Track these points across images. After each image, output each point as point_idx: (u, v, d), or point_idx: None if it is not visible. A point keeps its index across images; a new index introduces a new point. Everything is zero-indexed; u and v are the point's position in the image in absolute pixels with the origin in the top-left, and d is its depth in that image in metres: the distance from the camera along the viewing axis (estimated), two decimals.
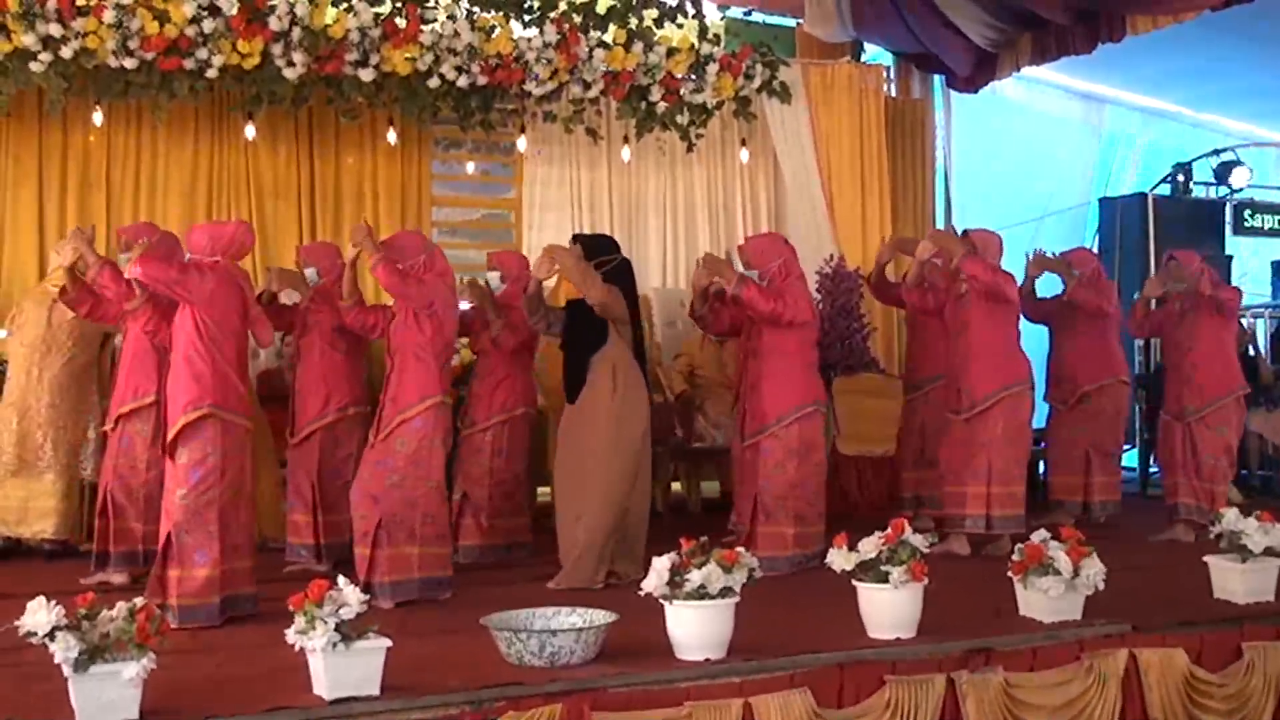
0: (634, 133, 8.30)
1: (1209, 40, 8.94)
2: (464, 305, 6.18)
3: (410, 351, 5.26)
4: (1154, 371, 9.64)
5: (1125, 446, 8.82)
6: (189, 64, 6.79)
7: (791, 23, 9.52)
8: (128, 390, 5.67)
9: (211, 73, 6.87)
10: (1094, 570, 4.54)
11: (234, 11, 6.74)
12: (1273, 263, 12.00)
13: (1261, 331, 10.63)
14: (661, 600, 4.07)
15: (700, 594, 4.02)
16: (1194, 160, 11.37)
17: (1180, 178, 11.28)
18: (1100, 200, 11.60)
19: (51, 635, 3.36)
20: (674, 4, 8.07)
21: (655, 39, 7.86)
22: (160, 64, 6.75)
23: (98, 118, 7.43)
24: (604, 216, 9.02)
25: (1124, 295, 7.90)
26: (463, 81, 7.37)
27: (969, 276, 6.27)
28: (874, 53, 9.97)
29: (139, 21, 6.59)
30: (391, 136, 8.11)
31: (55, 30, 6.49)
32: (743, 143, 8.83)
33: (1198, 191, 11.44)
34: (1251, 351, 9.11)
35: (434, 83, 7.31)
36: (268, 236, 8.27)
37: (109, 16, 6.54)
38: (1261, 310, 10.96)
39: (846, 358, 8.14)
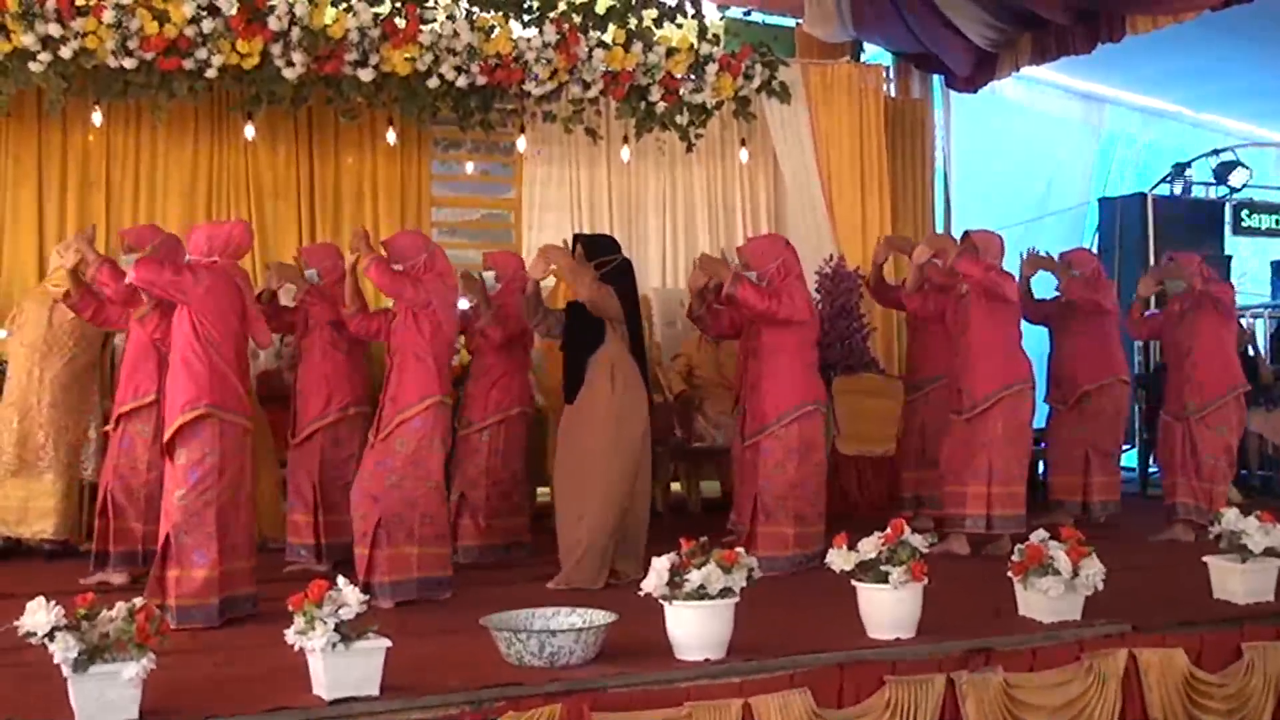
0: (633, 133, 8.30)
1: (1209, 40, 8.95)
2: (464, 304, 6.17)
3: (410, 351, 5.26)
4: (1154, 371, 9.65)
5: (1125, 446, 8.83)
6: (188, 64, 6.79)
7: (791, 23, 9.52)
8: (129, 390, 5.68)
9: (211, 73, 6.87)
10: (1094, 570, 4.53)
11: (233, 11, 6.74)
12: (1272, 263, 12.01)
13: (1261, 331, 10.64)
14: (661, 600, 4.07)
15: (700, 594, 4.02)
16: (1194, 160, 11.37)
17: (1180, 178, 11.28)
18: (1100, 200, 11.60)
19: (51, 635, 3.35)
20: (674, 4, 8.07)
21: (655, 39, 7.86)
22: (160, 64, 6.75)
23: (97, 118, 7.42)
24: (604, 216, 9.01)
25: (1123, 295, 7.90)
26: (462, 81, 7.36)
27: (964, 275, 6.29)
28: (874, 53, 9.97)
29: (138, 21, 6.59)
30: (391, 136, 8.11)
31: (55, 30, 6.49)
32: (742, 143, 8.83)
33: (1197, 191, 11.45)
34: (1251, 351, 9.11)
35: (433, 83, 7.31)
36: (267, 236, 8.27)
37: (108, 16, 6.54)
38: (1261, 310, 10.96)
39: (846, 358, 8.14)
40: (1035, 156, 11.71)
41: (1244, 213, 11.58)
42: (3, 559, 6.27)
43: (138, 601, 3.50)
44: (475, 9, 7.49)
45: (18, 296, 7.04)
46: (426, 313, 5.26)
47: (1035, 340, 7.05)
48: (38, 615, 3.38)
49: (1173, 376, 7.17)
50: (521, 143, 8.42)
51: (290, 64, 6.93)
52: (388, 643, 3.68)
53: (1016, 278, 6.61)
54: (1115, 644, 4.46)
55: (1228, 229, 11.51)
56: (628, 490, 5.56)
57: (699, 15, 8.18)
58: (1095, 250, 9.77)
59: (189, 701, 3.62)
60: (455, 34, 7.25)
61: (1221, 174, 11.31)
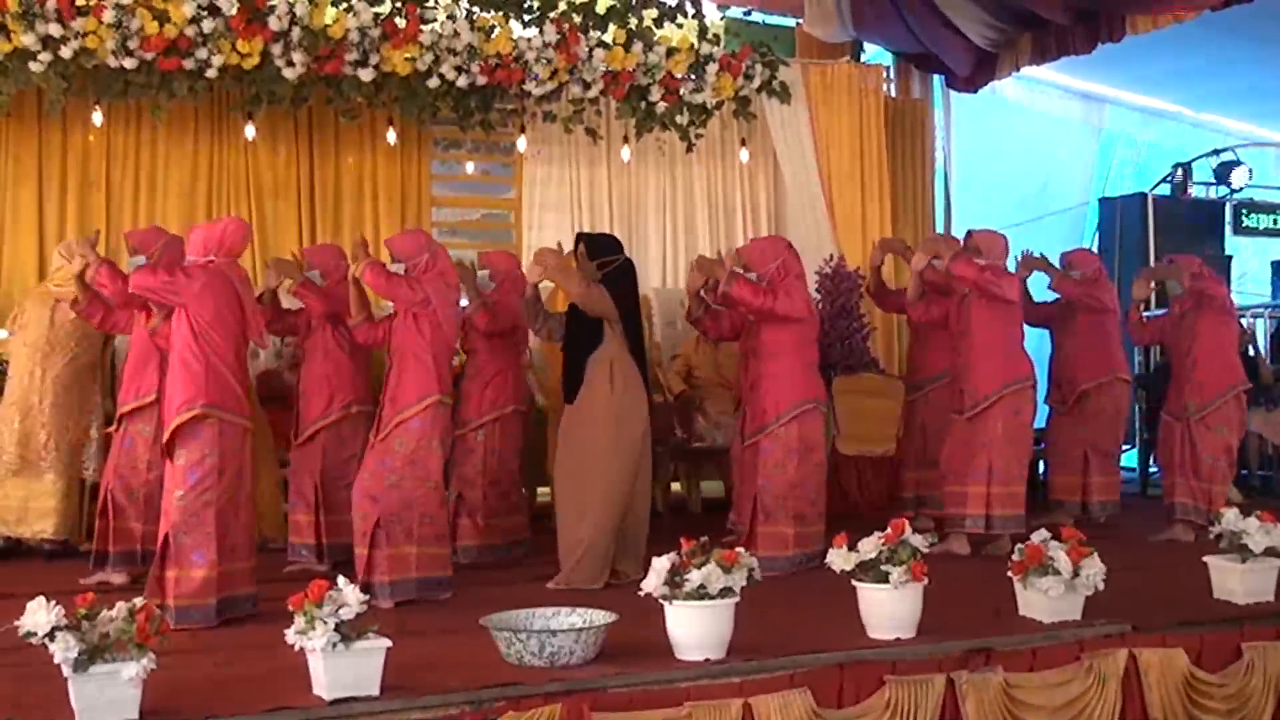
0: (634, 133, 8.30)
1: (1209, 40, 8.94)
2: (464, 302, 6.16)
3: (409, 351, 5.26)
4: (1154, 371, 9.66)
5: (1125, 446, 8.83)
6: (189, 64, 6.79)
7: (791, 23, 9.52)
8: (130, 390, 5.68)
9: (211, 73, 6.87)
10: (1094, 570, 4.54)
11: (234, 11, 6.74)
12: (1273, 263, 12.01)
13: (1261, 331, 10.63)
14: (661, 600, 4.07)
15: (700, 594, 4.02)
16: (1194, 160, 11.37)
17: (1180, 178, 11.28)
18: (1100, 200, 11.61)
19: (51, 635, 3.36)
20: (674, 4, 8.07)
21: (655, 39, 7.86)
22: (160, 64, 6.75)
23: (97, 118, 7.42)
24: (604, 216, 9.01)
25: (1124, 296, 7.91)
26: (462, 81, 7.36)
27: (959, 277, 6.32)
28: (874, 53, 9.97)
29: (139, 21, 6.58)
30: (391, 136, 8.11)
31: (55, 30, 6.49)
32: (742, 143, 8.83)
33: (1197, 191, 11.45)
34: (1251, 352, 9.11)
35: (434, 83, 7.31)
36: (268, 236, 8.27)
37: (109, 16, 6.54)
38: (1261, 310, 10.96)
39: (846, 358, 8.14)
40: (1035, 156, 11.70)
41: (1244, 213, 11.58)
42: (3, 559, 6.27)
43: (138, 601, 3.50)
44: (475, 9, 7.49)
45: (18, 296, 7.05)
46: (426, 313, 5.25)
47: (1036, 341, 7.07)
48: (38, 615, 3.38)
49: (1174, 376, 7.18)
50: (521, 143, 8.42)
51: (290, 64, 6.93)
52: (388, 643, 3.68)
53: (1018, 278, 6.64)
54: (1115, 644, 4.46)
55: (1228, 229, 11.51)
56: (628, 490, 5.56)
57: (699, 15, 8.17)
58: (1095, 250, 9.76)
59: (189, 701, 3.62)
60: (455, 34, 7.24)
61: (1222, 174, 11.31)
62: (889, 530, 4.40)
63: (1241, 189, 11.35)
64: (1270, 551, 4.99)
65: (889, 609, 4.35)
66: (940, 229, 9.73)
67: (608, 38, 7.72)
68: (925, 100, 10.00)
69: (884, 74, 9.50)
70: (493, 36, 7.32)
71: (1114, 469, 7.54)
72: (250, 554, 5.04)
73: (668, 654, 4.08)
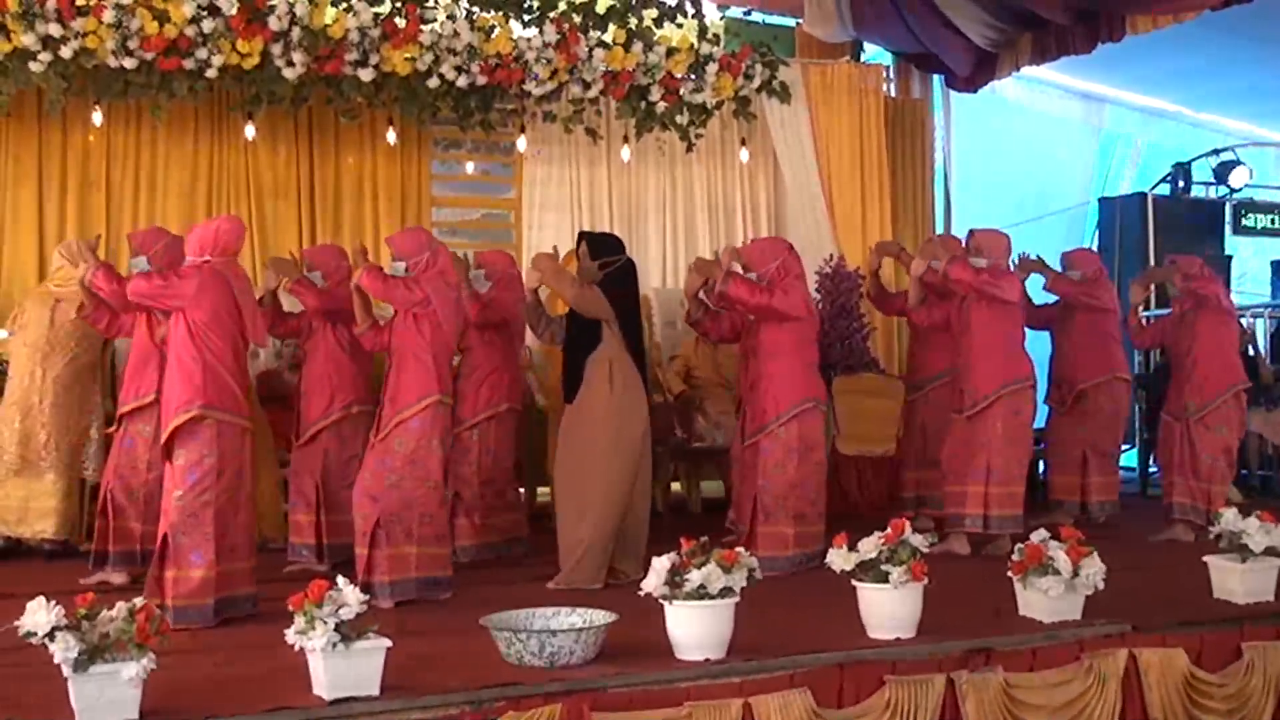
0: (634, 133, 8.30)
1: (1209, 40, 8.95)
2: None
3: (409, 351, 5.26)
4: (1154, 371, 9.66)
5: (1125, 446, 8.83)
6: (189, 64, 6.79)
7: (791, 23, 9.52)
8: (131, 390, 5.68)
9: (211, 73, 6.87)
10: (1094, 570, 4.54)
11: (234, 11, 6.74)
12: (1272, 263, 12.01)
13: (1261, 331, 10.63)
14: (661, 600, 4.07)
15: (700, 594, 4.02)
16: (1194, 160, 11.38)
17: (1180, 177, 11.29)
18: (1100, 200, 11.62)
19: (51, 635, 3.35)
20: (674, 4, 8.07)
21: (655, 39, 7.86)
22: (160, 64, 6.75)
23: (97, 118, 7.42)
24: (604, 216, 9.02)
25: (1123, 296, 7.91)
26: (462, 81, 7.36)
27: (955, 281, 6.35)
28: (874, 53, 9.97)
29: (139, 21, 6.59)
30: (391, 136, 8.11)
31: (55, 30, 6.49)
32: (742, 143, 8.83)
33: (1197, 191, 11.46)
34: (1251, 352, 9.11)
35: (434, 83, 7.31)
36: (268, 236, 8.27)
37: (108, 16, 6.54)
38: (1261, 310, 10.96)
39: (846, 358, 8.14)
40: (1035, 156, 11.71)
41: (1244, 212, 11.59)
42: (3, 559, 6.26)
43: (138, 601, 3.50)
44: (475, 9, 7.49)
45: (18, 296, 7.05)
46: (426, 312, 5.25)
47: (1036, 341, 7.07)
48: (38, 615, 3.38)
49: (1174, 376, 7.18)
50: (521, 143, 8.42)
51: (290, 64, 6.93)
52: (388, 643, 3.68)
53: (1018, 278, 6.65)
54: (1115, 644, 4.46)
55: (1228, 229, 11.52)
56: (628, 490, 5.56)
57: (699, 15, 8.18)
58: (1095, 250, 9.77)
59: (189, 701, 3.62)
60: (455, 34, 7.24)
61: (1222, 174, 11.32)
62: (889, 530, 4.40)
63: (1241, 189, 11.35)
64: (1270, 551, 4.99)
65: (889, 609, 4.35)
66: (940, 229, 9.73)
67: (608, 38, 7.72)
68: (925, 100, 10.00)
69: (884, 74, 9.50)
70: (493, 36, 7.33)
71: (1113, 469, 7.54)
72: (250, 554, 5.03)
73: (668, 654, 4.08)
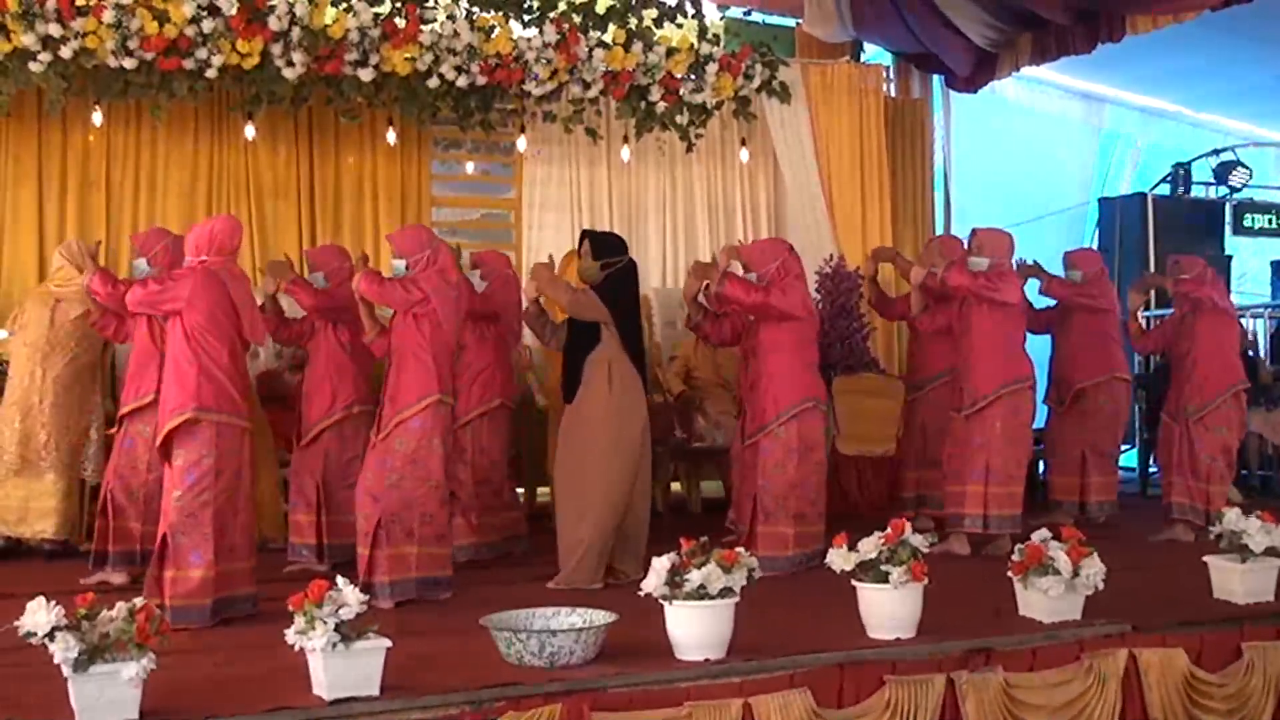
0: (633, 133, 8.29)
1: (1209, 40, 8.95)
2: None
3: (409, 351, 5.25)
4: (1154, 371, 9.65)
5: (1125, 446, 8.82)
6: (189, 64, 6.78)
7: (791, 23, 9.52)
8: (131, 390, 5.68)
9: (211, 73, 6.86)
10: (1094, 570, 4.54)
11: (234, 11, 6.74)
12: (1272, 263, 12.02)
13: (1261, 331, 10.64)
14: (661, 600, 4.07)
15: (700, 594, 4.02)
16: (1194, 160, 11.38)
17: (1180, 178, 11.29)
18: (1100, 200, 11.62)
19: (51, 635, 3.35)
20: (674, 4, 8.07)
21: (655, 39, 7.85)
22: (160, 64, 6.74)
23: (97, 118, 7.42)
24: (604, 216, 9.02)
25: (1123, 296, 7.92)
26: (462, 81, 7.36)
27: (954, 287, 6.36)
28: (874, 53, 9.97)
29: (139, 21, 6.58)
30: (391, 136, 8.11)
31: (55, 30, 6.49)
32: (742, 143, 8.83)
33: (1197, 191, 11.46)
34: (1251, 352, 9.11)
35: (433, 83, 7.31)
36: (268, 236, 8.28)
37: (108, 16, 6.53)
38: (1261, 310, 10.97)
39: (846, 358, 8.14)
40: (1035, 156, 11.71)
41: (1244, 213, 11.59)
42: (3, 559, 6.26)
43: (138, 601, 3.50)
44: (475, 9, 7.49)
45: (18, 296, 7.05)
46: (425, 312, 5.24)
47: (1037, 341, 7.08)
48: (38, 615, 3.38)
49: (1174, 377, 7.19)
50: (521, 143, 8.42)
51: (290, 64, 6.93)
52: (388, 643, 3.68)
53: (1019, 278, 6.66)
54: (1115, 644, 4.46)
55: (1228, 229, 11.52)
56: (628, 490, 5.56)
57: (699, 15, 8.17)
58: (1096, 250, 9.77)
59: (189, 701, 3.62)
60: (455, 34, 7.24)
61: (1222, 174, 11.32)
62: (889, 530, 4.40)
63: (1241, 189, 11.35)
64: (1270, 551, 4.99)
65: (889, 609, 4.35)
66: (940, 229, 9.74)
67: (608, 38, 7.71)
68: (925, 100, 10.00)
69: (884, 74, 9.50)
70: (493, 36, 7.32)
71: (1112, 469, 7.54)
72: (250, 554, 5.03)
73: (668, 654, 4.07)
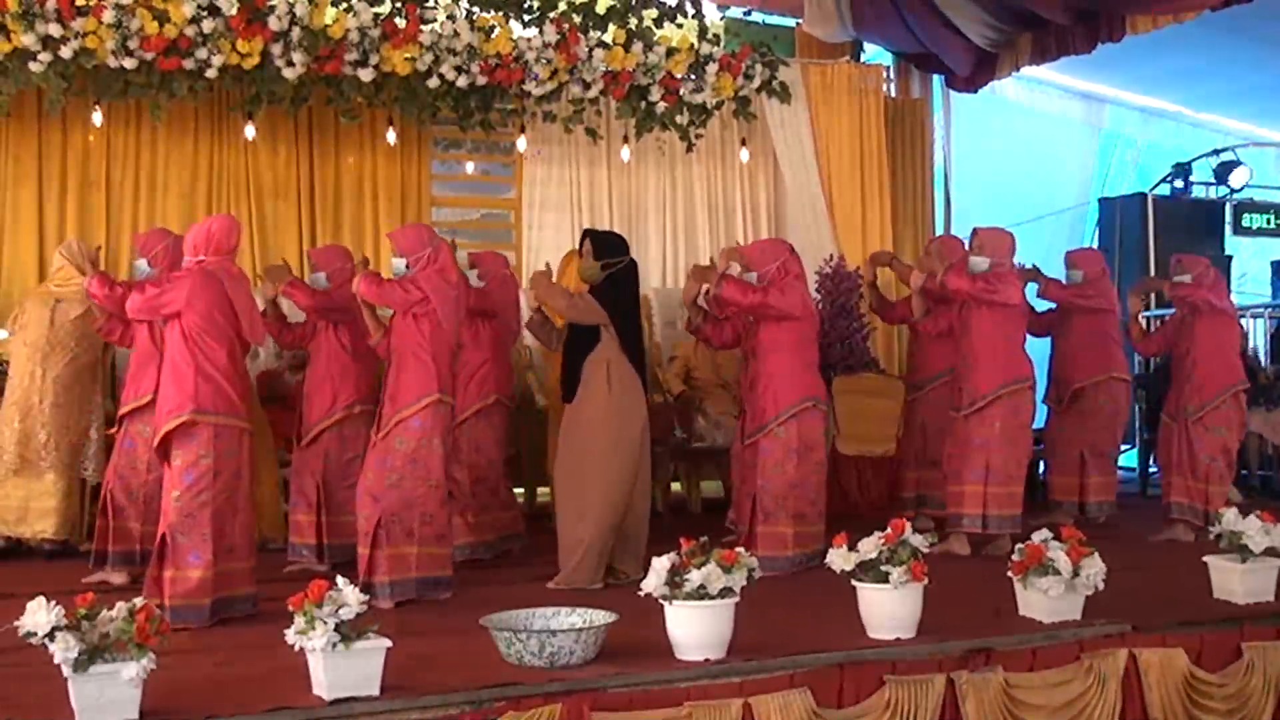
0: (633, 133, 8.29)
1: (1209, 40, 8.95)
2: None
3: (409, 350, 5.25)
4: (1154, 371, 9.65)
5: (1125, 447, 8.82)
6: (189, 64, 6.78)
7: (791, 23, 9.52)
8: (132, 390, 5.68)
9: (211, 73, 6.86)
10: (1094, 570, 4.54)
11: (234, 11, 6.73)
12: (1272, 263, 12.01)
13: (1261, 331, 10.64)
14: (661, 600, 4.07)
15: (700, 594, 4.02)
16: (1194, 160, 11.37)
17: (1180, 178, 11.28)
18: (1100, 200, 11.61)
19: (51, 635, 3.35)
20: (674, 4, 8.07)
21: (655, 39, 7.85)
22: (160, 64, 6.74)
23: (97, 118, 7.42)
24: (604, 216, 9.02)
25: (1123, 297, 7.92)
26: (462, 81, 7.36)
27: (953, 291, 6.37)
28: (874, 53, 9.97)
29: (139, 21, 6.58)
30: (391, 136, 8.11)
31: (55, 30, 6.48)
32: (743, 143, 8.83)
33: (1197, 191, 11.45)
34: (1250, 353, 9.12)
35: (434, 83, 7.30)
36: (268, 236, 8.28)
37: (108, 16, 6.53)
38: (1261, 310, 10.97)
39: (846, 358, 8.14)
40: (1035, 156, 11.71)
41: (1244, 213, 11.59)
42: (3, 559, 6.26)
43: (138, 601, 3.50)
44: (475, 9, 7.49)
45: (18, 296, 7.04)
46: (425, 311, 5.24)
47: (1037, 341, 7.08)
48: (38, 615, 3.38)
49: (1174, 377, 7.20)
50: (521, 143, 8.42)
51: (290, 64, 6.92)
52: (388, 643, 3.68)
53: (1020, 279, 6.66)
54: (1115, 644, 4.46)
55: (1228, 229, 11.52)
56: (627, 490, 5.56)
57: (699, 15, 8.17)
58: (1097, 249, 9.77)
59: (189, 701, 3.62)
60: (455, 34, 7.24)
61: (1222, 174, 11.32)
62: (889, 530, 4.40)
63: (1241, 189, 11.35)
64: (1270, 551, 4.99)
65: (889, 609, 4.35)
66: (940, 229, 9.74)
67: (608, 38, 7.71)
68: (925, 100, 10.01)
69: (884, 74, 9.51)
70: (493, 36, 7.32)
71: (1111, 469, 7.54)
72: (250, 554, 5.03)
73: (668, 654, 4.08)
